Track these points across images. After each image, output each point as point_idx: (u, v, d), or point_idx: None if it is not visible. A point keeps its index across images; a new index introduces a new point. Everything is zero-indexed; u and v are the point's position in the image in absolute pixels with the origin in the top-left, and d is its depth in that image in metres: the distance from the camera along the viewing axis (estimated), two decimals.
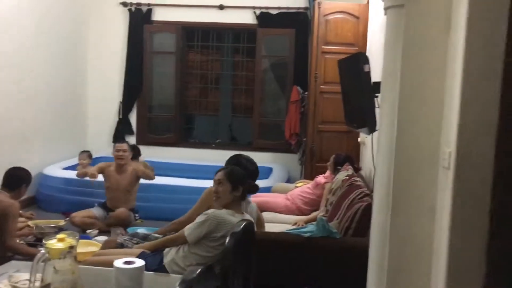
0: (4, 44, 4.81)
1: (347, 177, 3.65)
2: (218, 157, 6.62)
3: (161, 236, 2.95)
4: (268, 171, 5.81)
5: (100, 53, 6.62)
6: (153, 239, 2.91)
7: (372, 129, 3.01)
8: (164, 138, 6.72)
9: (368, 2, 4.50)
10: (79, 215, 4.51)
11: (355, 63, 3.06)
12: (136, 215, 4.85)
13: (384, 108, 2.14)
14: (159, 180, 5.24)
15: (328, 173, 4.30)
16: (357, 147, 4.71)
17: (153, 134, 6.77)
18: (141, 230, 4.40)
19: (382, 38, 3.70)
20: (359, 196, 3.05)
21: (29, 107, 5.32)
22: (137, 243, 2.89)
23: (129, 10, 6.50)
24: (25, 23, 5.13)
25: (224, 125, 7.61)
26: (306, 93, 5.95)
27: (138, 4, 6.46)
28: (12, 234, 3.38)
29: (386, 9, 2.14)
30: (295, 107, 6.04)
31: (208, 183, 5.26)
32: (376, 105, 3.03)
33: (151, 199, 5.12)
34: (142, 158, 5.64)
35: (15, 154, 4.95)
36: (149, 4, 6.46)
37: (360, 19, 4.60)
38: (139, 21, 6.48)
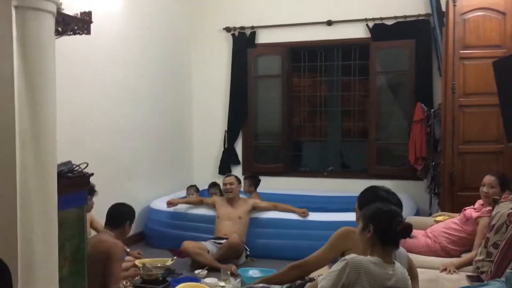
0: (109, 79, 4.70)
1: None
2: (330, 186, 6.02)
3: None
4: None
5: (204, 81, 6.44)
6: None
7: None
8: (271, 167, 6.26)
9: None
10: (191, 244, 4.32)
11: None
12: (247, 250, 4.51)
13: None
14: (268, 214, 4.81)
15: (478, 204, 3.46)
16: (511, 170, 3.81)
17: (259, 163, 6.35)
18: (252, 272, 3.97)
19: None
20: None
21: (135, 141, 5.17)
22: None
23: (233, 35, 6.25)
24: (128, 55, 5.01)
25: (334, 151, 6.98)
26: (432, 110, 5.18)
27: (242, 28, 6.19)
28: (117, 278, 3.06)
29: None
30: (420, 127, 5.27)
31: (323, 216, 4.76)
32: None
33: (259, 235, 4.69)
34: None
35: (123, 189, 4.81)
36: (252, 27, 6.16)
37: (507, 15, 3.76)
38: (243, 45, 6.20)
